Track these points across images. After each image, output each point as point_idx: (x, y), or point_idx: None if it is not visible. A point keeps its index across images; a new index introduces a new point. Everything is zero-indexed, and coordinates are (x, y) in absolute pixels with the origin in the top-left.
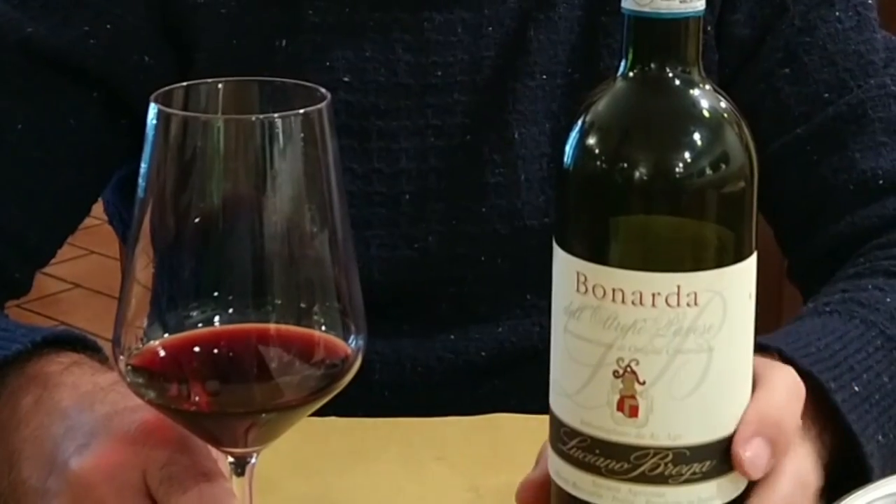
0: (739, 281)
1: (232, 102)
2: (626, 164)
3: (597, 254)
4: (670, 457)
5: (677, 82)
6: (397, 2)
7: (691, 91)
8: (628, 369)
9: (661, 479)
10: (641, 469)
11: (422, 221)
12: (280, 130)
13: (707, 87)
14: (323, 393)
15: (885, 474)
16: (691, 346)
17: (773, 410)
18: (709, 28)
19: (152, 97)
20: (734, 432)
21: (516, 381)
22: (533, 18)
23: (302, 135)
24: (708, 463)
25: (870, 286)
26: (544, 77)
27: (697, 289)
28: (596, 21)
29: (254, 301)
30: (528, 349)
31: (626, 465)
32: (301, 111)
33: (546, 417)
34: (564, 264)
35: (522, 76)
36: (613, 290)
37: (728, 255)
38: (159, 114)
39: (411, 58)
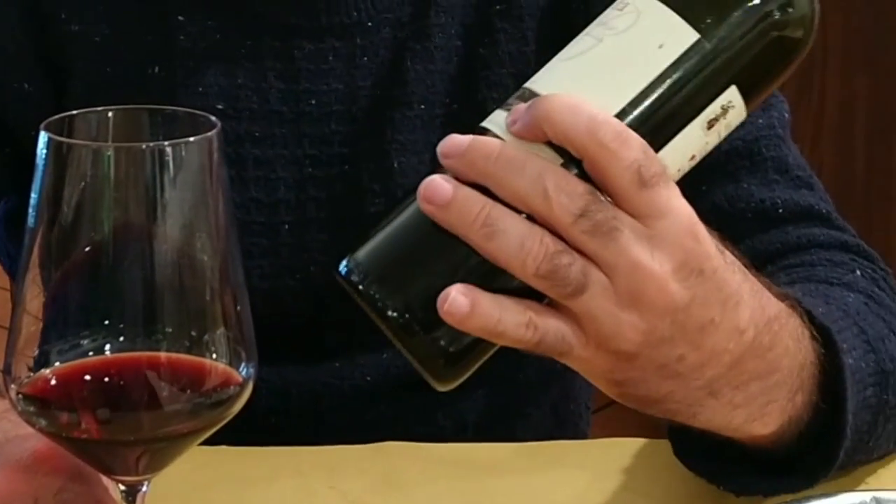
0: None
1: (122, 131)
2: None
3: None
4: None
5: None
6: (268, 30)
7: None
8: None
9: None
10: None
11: (303, 251)
12: (170, 158)
13: None
14: (214, 421)
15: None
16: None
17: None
18: None
19: (42, 125)
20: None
21: (402, 406)
22: (409, 48)
23: (192, 163)
24: None
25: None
26: (422, 107)
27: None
28: (474, 53)
29: (145, 329)
30: (413, 373)
31: None
32: (191, 139)
33: (434, 445)
34: None
35: (400, 106)
36: None
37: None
38: (49, 142)
39: (283, 85)
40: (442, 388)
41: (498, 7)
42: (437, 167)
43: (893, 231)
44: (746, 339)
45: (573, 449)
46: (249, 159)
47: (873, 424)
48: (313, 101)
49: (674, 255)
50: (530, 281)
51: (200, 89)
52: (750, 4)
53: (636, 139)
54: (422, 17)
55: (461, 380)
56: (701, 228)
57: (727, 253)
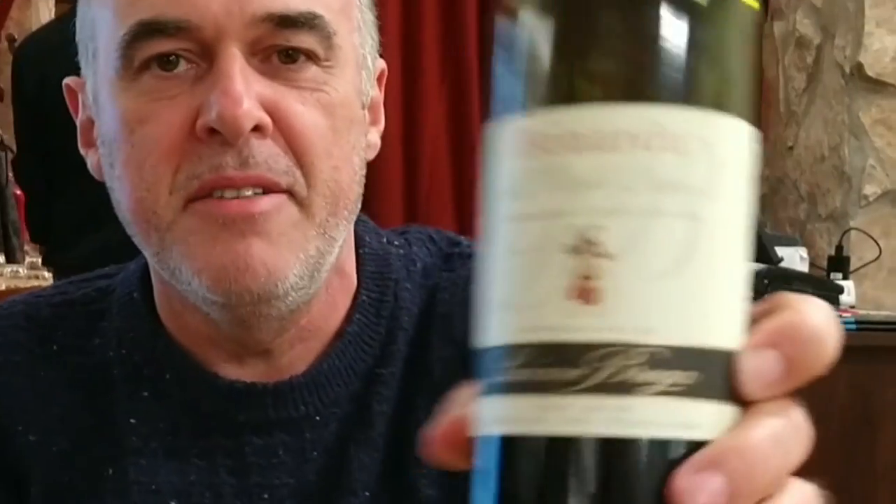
0: (736, 141)
1: None
2: None
3: (549, 93)
4: (642, 357)
5: None
6: (218, 427)
7: None
8: (586, 240)
9: (628, 388)
10: (601, 376)
11: None
12: None
13: None
14: None
15: None
16: (671, 208)
17: (805, 327)
18: None
19: None
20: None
21: None
22: (353, 439)
23: None
24: (696, 375)
25: None
26: (366, 493)
27: (682, 131)
28: (403, 434)
29: None
30: None
31: (580, 372)
32: None
33: None
34: (502, 135)
35: (346, 494)
36: (568, 137)
37: (725, 100)
38: None
39: (234, 480)
40: None
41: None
42: None
43: None
44: None
45: None
46: None
47: None
48: (266, 496)
49: None
50: None
51: (154, 487)
52: None
53: None
54: (366, 409)
55: None
56: None
57: None
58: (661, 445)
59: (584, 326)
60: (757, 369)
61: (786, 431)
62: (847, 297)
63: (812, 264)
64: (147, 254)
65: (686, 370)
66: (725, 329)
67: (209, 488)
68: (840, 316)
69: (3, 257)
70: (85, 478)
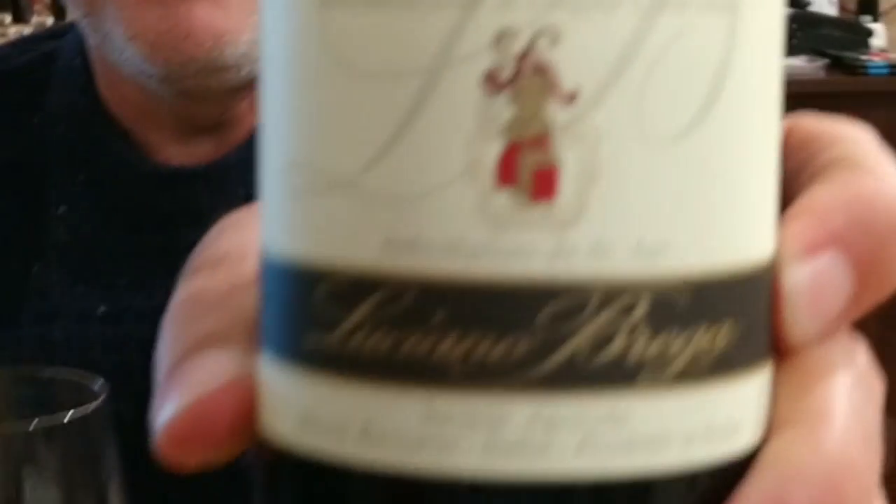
0: None
1: None
2: None
3: None
4: (643, 306)
5: None
6: (149, 220)
7: None
8: (529, 61)
9: (622, 374)
10: (566, 351)
11: None
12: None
13: None
14: None
15: None
16: None
17: (886, 205)
18: None
19: None
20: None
21: None
22: None
23: (68, 444)
24: (728, 327)
25: None
26: None
27: None
28: None
29: None
30: None
31: (522, 343)
32: (69, 416)
33: None
34: None
35: None
36: None
37: None
38: None
39: (169, 282)
40: None
41: None
42: None
43: None
44: None
45: None
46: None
47: None
48: None
49: None
50: None
51: (79, 287)
52: None
53: None
54: None
55: None
56: None
57: None
58: (685, 484)
59: (526, 245)
60: (815, 292)
61: (861, 401)
62: (877, 41)
63: (842, 8)
64: (76, 15)
65: (714, 320)
66: (762, 224)
67: (141, 288)
68: (871, 60)
69: (10, 16)
70: (10, 277)
